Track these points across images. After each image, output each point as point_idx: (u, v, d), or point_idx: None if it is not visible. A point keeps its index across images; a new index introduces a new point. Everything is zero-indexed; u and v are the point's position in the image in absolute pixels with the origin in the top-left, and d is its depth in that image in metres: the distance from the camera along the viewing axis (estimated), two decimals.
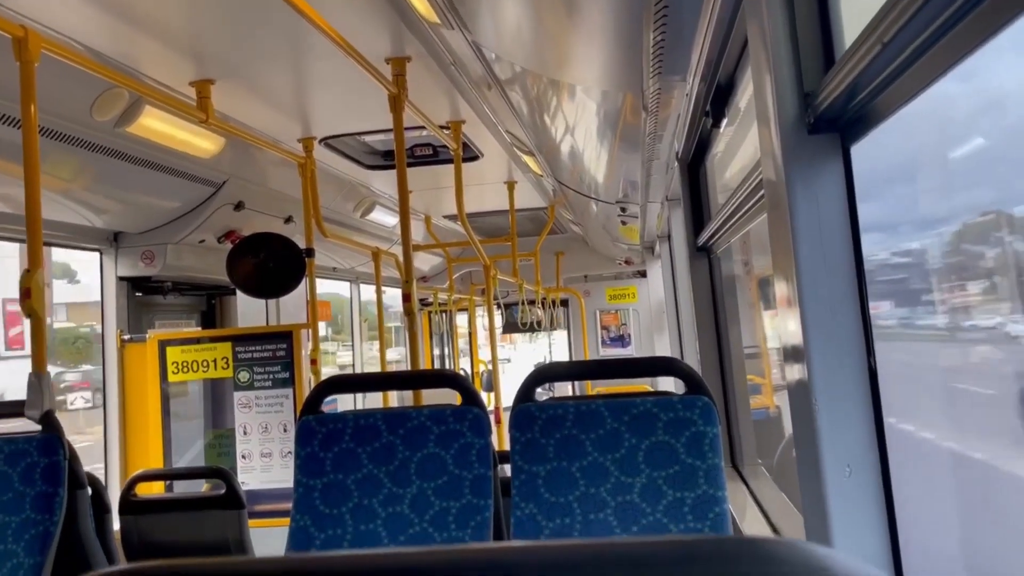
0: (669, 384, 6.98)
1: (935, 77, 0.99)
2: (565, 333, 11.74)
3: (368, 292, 8.20)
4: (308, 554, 0.42)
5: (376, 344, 6.95)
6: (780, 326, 1.38)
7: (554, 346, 12.69)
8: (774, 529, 2.81)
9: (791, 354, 1.34)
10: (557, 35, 2.68)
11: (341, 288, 8.49)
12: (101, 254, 4.85)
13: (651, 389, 7.08)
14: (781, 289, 1.36)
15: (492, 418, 2.63)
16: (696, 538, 0.39)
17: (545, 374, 2.61)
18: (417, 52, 3.42)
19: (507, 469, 2.52)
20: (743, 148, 2.78)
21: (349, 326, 8.50)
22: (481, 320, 10.52)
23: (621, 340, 11.30)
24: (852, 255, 1.27)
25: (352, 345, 8.37)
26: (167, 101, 3.43)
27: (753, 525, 2.87)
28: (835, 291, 1.25)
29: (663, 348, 8.71)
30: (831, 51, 1.31)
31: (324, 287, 7.81)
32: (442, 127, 4.61)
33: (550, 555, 0.40)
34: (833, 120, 1.23)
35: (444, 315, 11.04)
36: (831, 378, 1.25)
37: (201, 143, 4.21)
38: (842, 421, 1.24)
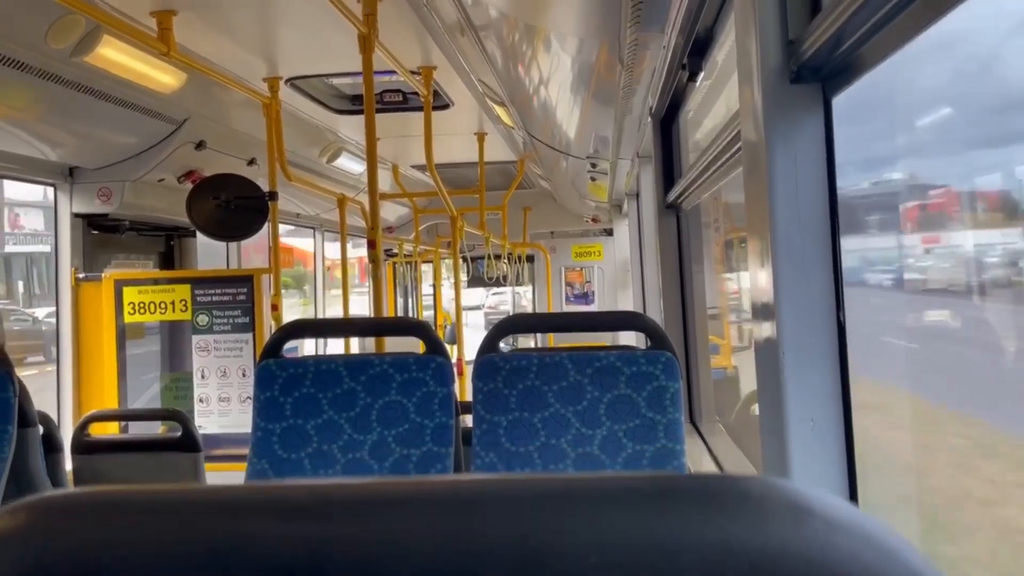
0: (630, 341, 7.03)
1: (925, 24, 0.97)
2: (530, 288, 11.75)
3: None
4: (260, 482, 0.40)
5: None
6: (751, 279, 1.37)
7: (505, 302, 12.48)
8: None
9: (760, 307, 1.33)
10: None
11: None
12: (55, 189, 4.69)
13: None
14: (754, 242, 1.35)
15: (455, 370, 2.65)
16: (669, 475, 0.38)
17: (511, 325, 2.59)
18: None
19: (469, 420, 2.52)
20: (717, 105, 2.75)
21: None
22: (448, 281, 10.44)
23: (585, 297, 11.35)
24: (827, 209, 1.25)
25: (314, 295, 8.27)
26: (126, 30, 3.29)
27: None
28: (808, 243, 1.24)
29: (626, 305, 8.76)
30: None
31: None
32: (412, 72, 4.50)
33: (519, 488, 0.38)
34: (817, 69, 1.21)
35: (409, 267, 10.97)
36: (799, 332, 1.25)
37: (162, 77, 4.07)
38: (808, 375, 1.24)
